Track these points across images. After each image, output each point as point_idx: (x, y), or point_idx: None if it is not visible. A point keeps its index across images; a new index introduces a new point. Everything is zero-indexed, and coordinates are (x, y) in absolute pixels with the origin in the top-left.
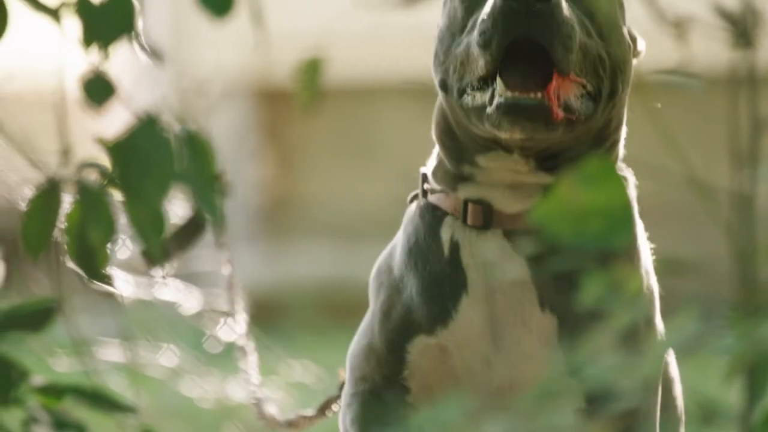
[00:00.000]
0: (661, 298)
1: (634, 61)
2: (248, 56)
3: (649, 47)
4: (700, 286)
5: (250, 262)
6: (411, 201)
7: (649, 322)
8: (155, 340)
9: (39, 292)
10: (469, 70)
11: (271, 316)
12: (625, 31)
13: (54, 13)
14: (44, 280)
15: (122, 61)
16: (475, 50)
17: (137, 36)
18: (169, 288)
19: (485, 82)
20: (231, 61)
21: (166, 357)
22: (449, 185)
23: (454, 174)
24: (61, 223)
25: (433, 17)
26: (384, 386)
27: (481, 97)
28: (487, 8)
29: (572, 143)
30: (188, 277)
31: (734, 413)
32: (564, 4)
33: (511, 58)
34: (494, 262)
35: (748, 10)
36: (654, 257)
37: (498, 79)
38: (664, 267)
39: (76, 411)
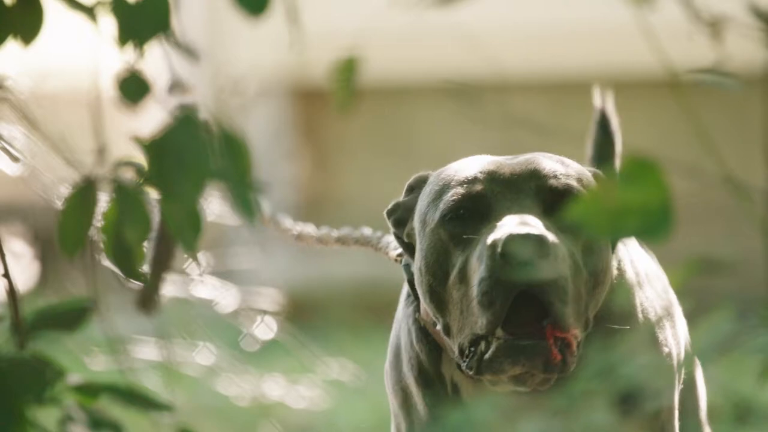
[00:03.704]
0: (697, 297)
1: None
2: (284, 55)
3: (685, 47)
4: (736, 285)
5: (285, 261)
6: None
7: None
8: (191, 338)
9: (75, 290)
10: (469, 323)
11: (306, 315)
12: None
13: (90, 12)
14: (80, 278)
15: (157, 59)
16: (476, 308)
17: (172, 35)
18: (205, 286)
19: (485, 338)
20: (267, 60)
21: (203, 355)
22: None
23: None
24: (97, 221)
25: (469, 16)
26: None
27: (477, 350)
28: (485, 266)
29: None
30: (225, 275)
31: None
32: (559, 248)
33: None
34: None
35: None
36: (690, 257)
37: (498, 331)
38: (699, 266)
39: (112, 410)
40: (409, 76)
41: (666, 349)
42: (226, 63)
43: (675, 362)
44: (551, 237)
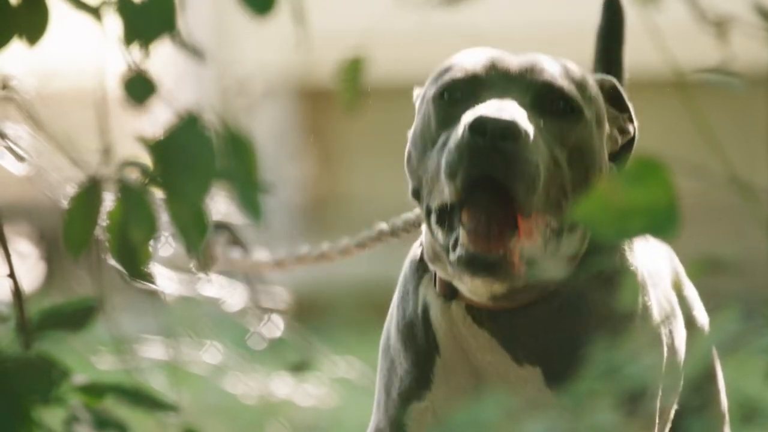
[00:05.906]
0: (703, 297)
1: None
2: (290, 55)
3: (691, 47)
4: (741, 285)
5: None
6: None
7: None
8: (198, 337)
9: (80, 290)
10: (437, 191)
11: (313, 314)
12: (603, 141)
13: (95, 12)
14: (86, 278)
15: (163, 59)
16: (443, 176)
17: (178, 34)
18: (212, 285)
19: (451, 210)
20: (273, 60)
21: (209, 354)
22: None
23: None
24: (103, 221)
25: (474, 17)
26: None
27: (445, 239)
28: (454, 138)
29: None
30: (231, 274)
31: None
32: (531, 136)
33: (477, 189)
34: (459, 329)
35: None
36: (695, 257)
37: (461, 231)
38: (705, 266)
39: (118, 410)
40: (414, 77)
41: (666, 349)
42: (232, 63)
43: (680, 361)
44: (524, 124)
